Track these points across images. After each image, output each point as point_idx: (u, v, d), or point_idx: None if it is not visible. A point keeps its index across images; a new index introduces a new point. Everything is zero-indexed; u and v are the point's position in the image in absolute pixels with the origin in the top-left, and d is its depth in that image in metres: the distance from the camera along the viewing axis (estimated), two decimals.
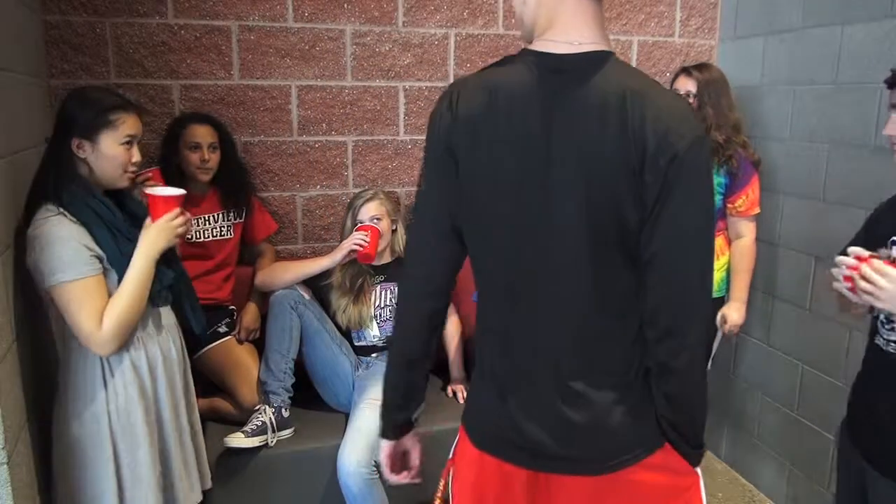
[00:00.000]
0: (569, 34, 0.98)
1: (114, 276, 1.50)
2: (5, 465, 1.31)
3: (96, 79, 2.25)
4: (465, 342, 2.47)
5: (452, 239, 1.09)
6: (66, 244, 1.43)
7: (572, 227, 0.98)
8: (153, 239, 1.53)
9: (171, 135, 2.21)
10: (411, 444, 1.25)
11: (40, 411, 1.62)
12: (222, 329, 2.29)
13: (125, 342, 1.51)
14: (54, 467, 1.57)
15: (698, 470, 1.10)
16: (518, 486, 1.09)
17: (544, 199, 0.98)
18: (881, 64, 1.95)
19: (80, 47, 2.23)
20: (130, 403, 1.55)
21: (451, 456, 1.23)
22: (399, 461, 1.26)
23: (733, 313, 2.29)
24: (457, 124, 1.03)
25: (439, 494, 1.23)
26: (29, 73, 1.90)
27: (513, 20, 2.63)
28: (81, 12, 2.22)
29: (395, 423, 1.21)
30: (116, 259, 1.50)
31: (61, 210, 1.46)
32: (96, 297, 1.45)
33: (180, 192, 1.58)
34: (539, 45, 1.01)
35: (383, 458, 1.24)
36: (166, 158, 2.20)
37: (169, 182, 2.14)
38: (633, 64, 2.79)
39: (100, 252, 1.48)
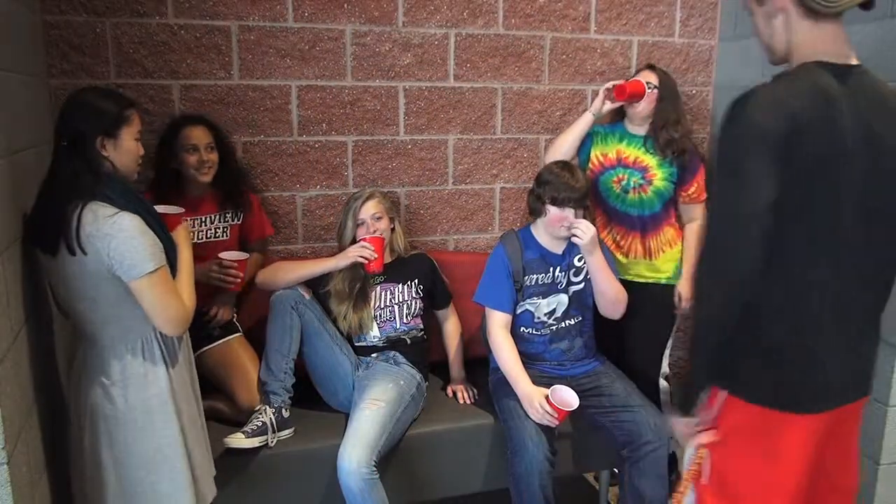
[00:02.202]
0: (837, 51, 1.21)
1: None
2: (5, 465, 1.31)
3: (96, 79, 2.25)
4: (466, 343, 2.47)
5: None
6: (147, 236, 1.51)
7: None
8: (186, 236, 1.71)
9: (166, 139, 2.19)
10: None
11: (43, 409, 1.62)
12: (216, 332, 2.27)
13: None
14: (113, 458, 1.57)
15: None
16: (811, 433, 1.27)
17: (882, 190, 1.21)
18: (881, 64, 1.94)
19: (80, 47, 2.23)
20: (185, 379, 1.67)
21: (707, 436, 1.32)
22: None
23: (688, 289, 2.45)
24: (774, 132, 1.15)
25: (688, 477, 1.33)
26: (29, 73, 1.90)
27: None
28: (81, 12, 2.22)
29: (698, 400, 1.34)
30: (172, 249, 1.60)
31: (119, 208, 1.49)
32: (172, 282, 1.57)
33: (181, 209, 1.76)
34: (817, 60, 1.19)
35: (680, 429, 1.38)
36: (164, 162, 2.18)
37: (168, 186, 2.16)
38: (633, 63, 2.79)
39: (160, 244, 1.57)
